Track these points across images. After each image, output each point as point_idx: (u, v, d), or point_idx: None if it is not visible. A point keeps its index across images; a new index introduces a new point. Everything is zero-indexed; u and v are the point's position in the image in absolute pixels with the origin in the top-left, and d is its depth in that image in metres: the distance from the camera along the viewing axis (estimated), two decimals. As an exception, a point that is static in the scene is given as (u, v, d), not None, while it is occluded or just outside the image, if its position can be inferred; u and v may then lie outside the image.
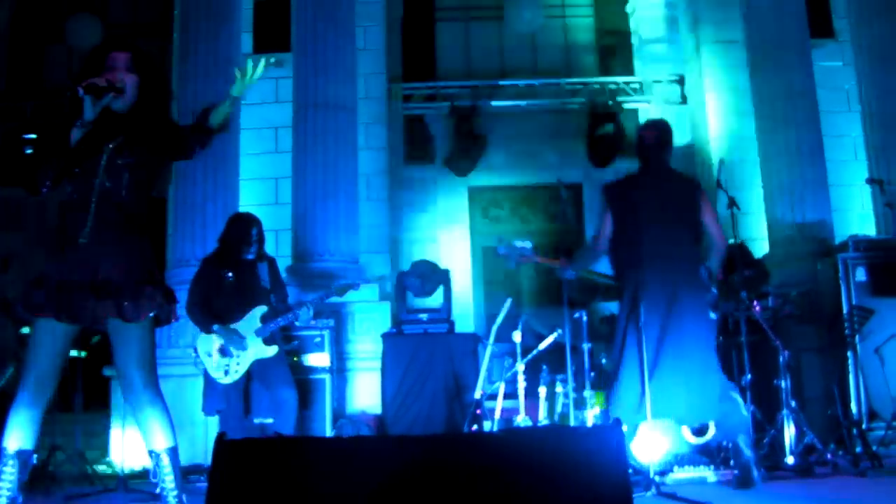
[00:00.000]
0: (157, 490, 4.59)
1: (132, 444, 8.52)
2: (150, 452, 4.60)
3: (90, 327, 4.63)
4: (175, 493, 4.57)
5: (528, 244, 6.85)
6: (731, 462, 6.99)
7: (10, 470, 4.35)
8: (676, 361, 6.24)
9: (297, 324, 8.31)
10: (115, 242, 4.51)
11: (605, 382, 6.67)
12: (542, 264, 7.17)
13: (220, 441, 3.54)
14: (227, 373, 7.67)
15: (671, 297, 6.32)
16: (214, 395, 7.89)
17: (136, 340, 4.55)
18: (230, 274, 7.80)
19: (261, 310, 7.71)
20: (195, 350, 7.96)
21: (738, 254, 8.04)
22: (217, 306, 7.77)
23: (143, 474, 8.78)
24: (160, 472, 4.56)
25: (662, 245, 6.39)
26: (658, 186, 6.67)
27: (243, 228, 7.90)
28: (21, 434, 4.38)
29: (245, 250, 7.84)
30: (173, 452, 4.62)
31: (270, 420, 7.71)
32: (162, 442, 4.59)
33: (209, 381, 7.88)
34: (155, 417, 4.59)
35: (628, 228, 6.49)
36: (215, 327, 7.68)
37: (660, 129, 6.89)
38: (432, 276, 10.08)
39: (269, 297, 7.86)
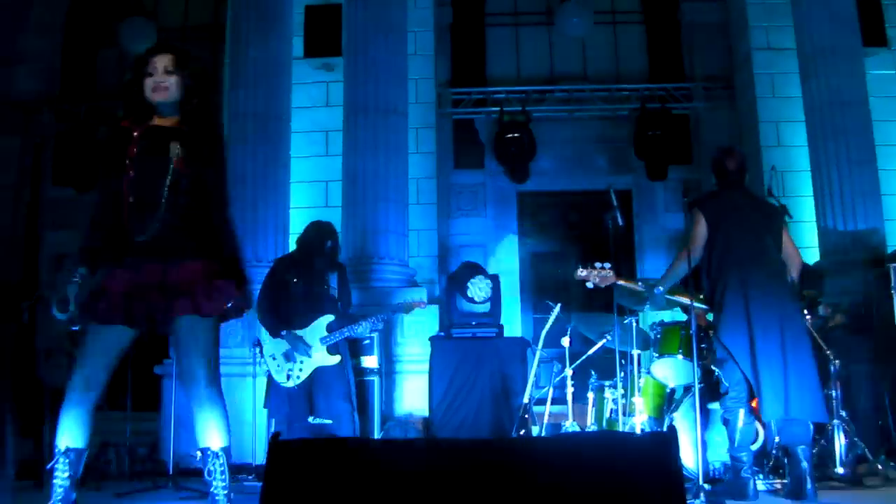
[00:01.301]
0: (211, 488, 4.64)
1: (182, 442, 8.61)
2: (205, 450, 4.65)
3: (159, 330, 4.70)
4: (226, 491, 4.62)
5: (607, 265, 6.85)
6: (782, 471, 6.98)
7: (63, 468, 4.43)
8: (797, 365, 6.36)
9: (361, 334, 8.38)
10: (182, 242, 4.60)
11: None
12: (627, 287, 7.17)
13: (275, 441, 3.58)
14: (289, 377, 7.76)
15: (780, 303, 6.46)
16: (278, 397, 7.99)
17: (204, 337, 4.67)
18: (300, 280, 7.87)
19: (327, 318, 7.78)
20: (260, 350, 8.04)
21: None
22: (285, 311, 7.84)
23: (193, 472, 8.89)
24: (214, 471, 4.62)
25: (760, 253, 6.61)
26: (746, 205, 6.84)
27: (322, 237, 7.97)
28: (71, 432, 4.45)
29: (318, 260, 7.91)
30: (226, 452, 4.69)
31: (329, 421, 7.77)
32: (217, 441, 4.66)
33: (273, 383, 7.97)
34: (214, 416, 4.67)
35: (724, 238, 6.62)
36: (283, 332, 7.76)
37: (742, 156, 7.10)
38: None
39: (337, 306, 7.92)
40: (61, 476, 4.42)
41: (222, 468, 4.63)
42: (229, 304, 4.66)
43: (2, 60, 13.66)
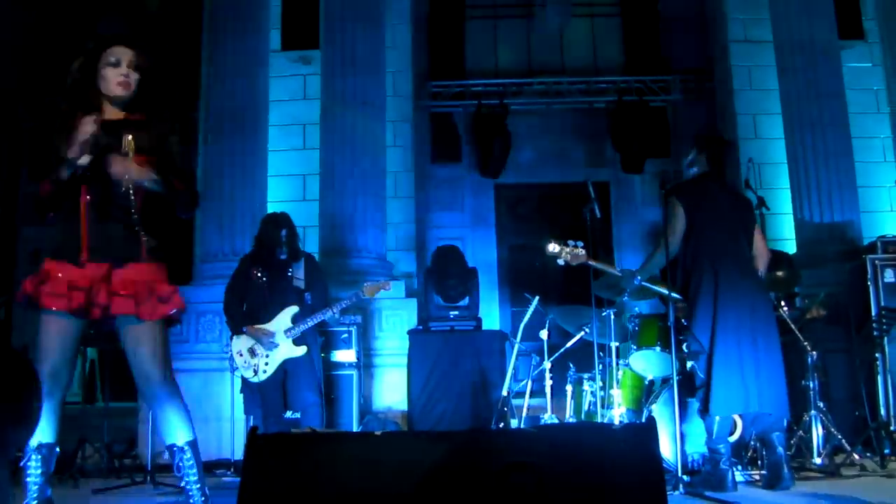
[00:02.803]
0: (182, 483, 4.63)
1: (160, 438, 8.58)
2: (172, 447, 4.65)
3: (104, 326, 4.67)
4: (198, 485, 4.62)
5: (580, 244, 6.82)
6: (761, 462, 7.00)
7: (35, 464, 4.41)
8: (767, 362, 6.41)
9: (328, 321, 8.36)
10: (131, 245, 4.58)
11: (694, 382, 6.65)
12: (600, 268, 7.14)
13: (253, 435, 3.58)
14: (255, 372, 7.72)
15: (751, 297, 6.49)
16: (251, 392, 7.99)
17: (148, 338, 4.60)
18: (263, 274, 7.84)
19: (292, 310, 7.74)
20: (230, 348, 8.03)
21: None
22: (251, 306, 7.83)
23: (170, 467, 8.86)
24: (183, 467, 4.61)
25: (733, 247, 6.63)
26: (724, 195, 6.87)
27: (273, 229, 7.93)
28: (41, 428, 4.41)
29: (277, 251, 7.88)
30: (193, 446, 4.68)
31: (298, 415, 7.76)
32: (181, 436, 4.66)
33: (244, 380, 7.96)
34: (172, 412, 4.66)
35: (699, 230, 6.62)
36: (244, 329, 7.74)
37: (726, 145, 7.25)
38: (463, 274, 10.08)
39: (304, 297, 7.88)
40: (35, 472, 4.40)
41: (190, 462, 4.62)
42: (173, 312, 4.61)
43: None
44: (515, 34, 15.44)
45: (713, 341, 6.36)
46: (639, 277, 6.83)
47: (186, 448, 4.64)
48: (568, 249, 6.79)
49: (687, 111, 14.54)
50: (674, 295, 6.62)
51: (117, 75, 4.60)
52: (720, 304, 6.39)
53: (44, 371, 4.41)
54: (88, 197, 4.50)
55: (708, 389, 6.33)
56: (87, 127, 4.36)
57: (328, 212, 10.88)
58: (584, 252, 6.82)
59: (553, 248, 6.85)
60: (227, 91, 11.03)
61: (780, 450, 6.32)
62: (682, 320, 6.78)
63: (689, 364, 6.82)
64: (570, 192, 14.53)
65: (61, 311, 4.43)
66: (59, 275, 4.46)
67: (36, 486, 4.38)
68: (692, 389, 6.75)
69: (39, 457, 4.41)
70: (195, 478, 4.62)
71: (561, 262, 6.85)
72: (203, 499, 4.62)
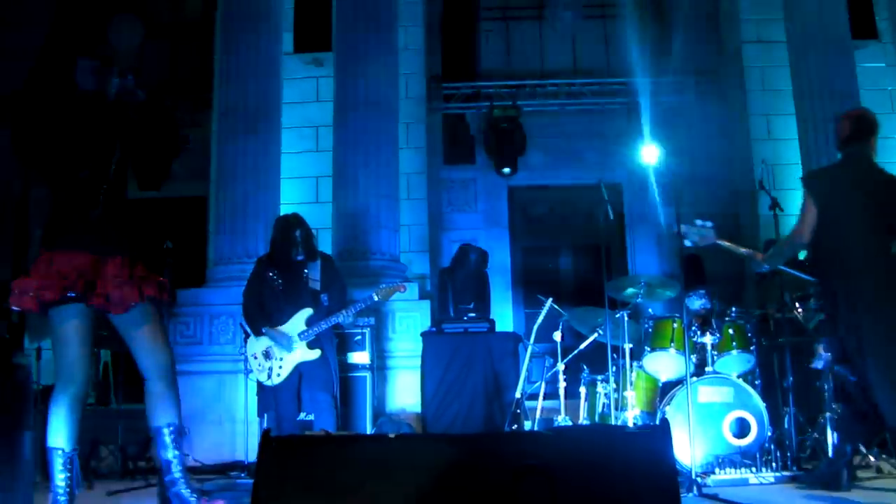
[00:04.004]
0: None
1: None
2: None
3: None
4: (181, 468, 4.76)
5: (708, 224, 6.59)
6: (775, 464, 6.97)
7: (60, 466, 4.43)
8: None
9: (343, 324, 8.36)
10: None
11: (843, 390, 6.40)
12: (728, 249, 6.88)
13: (266, 438, 3.58)
14: (269, 375, 7.72)
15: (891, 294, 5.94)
16: (266, 394, 8.00)
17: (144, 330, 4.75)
18: (278, 276, 7.84)
19: (306, 312, 7.72)
20: (246, 351, 8.04)
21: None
22: (267, 308, 7.82)
23: (186, 469, 8.87)
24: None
25: (871, 258, 6.00)
26: (859, 180, 6.26)
27: (286, 231, 7.92)
28: (63, 430, 4.44)
29: (291, 252, 7.87)
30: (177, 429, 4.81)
31: (312, 417, 7.75)
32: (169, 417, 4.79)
33: (259, 383, 7.96)
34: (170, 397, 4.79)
35: (828, 235, 6.13)
36: (264, 329, 7.73)
37: (854, 119, 6.42)
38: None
39: (319, 298, 7.87)
40: (61, 475, 4.42)
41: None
42: (133, 305, 4.66)
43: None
44: (528, 36, 15.44)
45: (863, 349, 5.92)
46: (765, 266, 6.69)
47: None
48: (696, 229, 6.56)
49: (700, 112, 14.50)
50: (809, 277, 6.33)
51: (92, 67, 4.72)
52: (862, 331, 5.88)
53: (58, 371, 4.45)
54: None
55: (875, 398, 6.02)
56: None
57: (341, 213, 10.89)
58: (713, 231, 6.61)
59: (683, 228, 6.59)
60: (241, 93, 11.06)
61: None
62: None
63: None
64: (583, 194, 14.53)
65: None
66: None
67: (63, 488, 4.39)
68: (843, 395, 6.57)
69: (64, 458, 4.42)
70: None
71: (688, 243, 6.59)
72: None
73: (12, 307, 4.51)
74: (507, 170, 14.37)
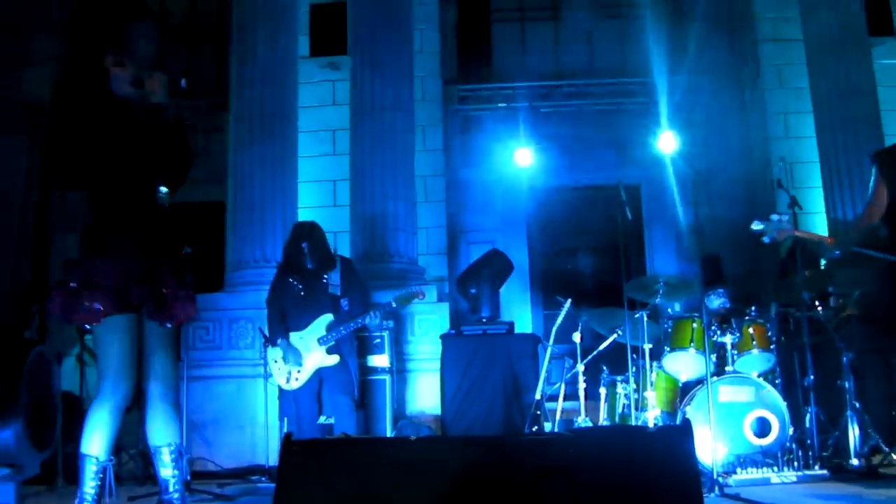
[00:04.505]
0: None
1: (193, 446, 8.63)
2: (164, 447, 4.75)
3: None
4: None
5: (784, 217, 6.51)
6: (796, 463, 6.95)
7: (90, 473, 4.43)
8: None
9: (369, 327, 8.37)
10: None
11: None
12: (803, 238, 6.79)
13: (287, 441, 3.58)
14: (288, 380, 7.75)
15: None
16: (287, 398, 8.02)
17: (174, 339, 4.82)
18: (299, 281, 7.85)
19: (327, 318, 7.73)
20: (266, 355, 8.07)
21: (801, 254, 7.97)
22: (290, 314, 7.83)
23: (205, 475, 8.90)
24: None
25: None
26: None
27: (295, 241, 7.95)
28: (91, 441, 4.46)
29: (300, 262, 7.88)
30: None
31: (332, 420, 7.77)
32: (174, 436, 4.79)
33: (280, 387, 7.98)
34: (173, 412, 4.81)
35: None
36: (279, 341, 7.75)
37: None
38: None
39: (339, 303, 7.87)
40: (91, 483, 4.42)
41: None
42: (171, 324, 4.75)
43: (11, 62, 13.64)
44: (543, 36, 15.41)
45: None
46: (836, 252, 6.63)
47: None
48: (773, 224, 6.42)
49: (717, 110, 14.45)
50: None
51: (128, 75, 4.74)
52: None
53: (103, 378, 4.50)
54: None
55: None
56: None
57: (359, 217, 10.89)
58: (790, 224, 6.52)
59: (757, 226, 6.44)
60: (257, 97, 11.07)
61: None
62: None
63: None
64: (601, 194, 14.50)
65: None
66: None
67: (91, 496, 4.39)
68: None
69: (94, 469, 4.42)
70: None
71: (767, 239, 6.46)
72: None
73: (83, 324, 4.51)
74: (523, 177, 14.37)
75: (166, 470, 4.67)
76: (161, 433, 4.69)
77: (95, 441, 4.42)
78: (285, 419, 8.25)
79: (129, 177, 4.59)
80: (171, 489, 4.67)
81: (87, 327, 4.56)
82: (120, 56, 4.75)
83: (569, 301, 8.53)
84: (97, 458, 4.41)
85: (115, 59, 4.74)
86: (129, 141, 4.58)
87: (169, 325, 4.72)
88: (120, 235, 4.55)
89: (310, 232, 7.98)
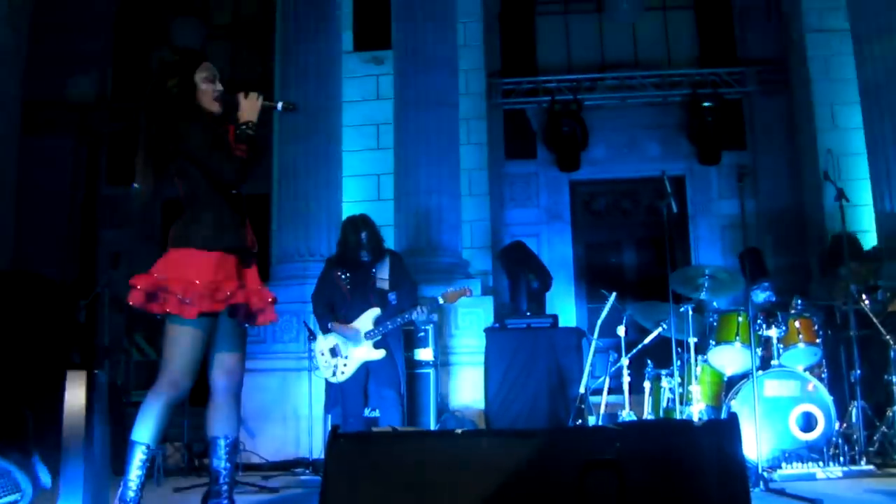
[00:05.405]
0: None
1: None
2: (222, 438, 4.83)
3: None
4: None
5: None
6: (843, 458, 6.90)
7: (139, 462, 4.48)
8: None
9: (416, 322, 8.38)
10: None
11: None
12: None
13: (334, 434, 3.60)
14: (334, 373, 7.76)
15: None
16: (333, 391, 8.06)
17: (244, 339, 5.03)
18: (346, 275, 7.87)
19: (374, 312, 7.73)
20: (314, 348, 8.10)
21: (848, 246, 7.91)
22: (336, 307, 7.86)
23: (250, 467, 8.96)
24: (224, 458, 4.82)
25: None
26: None
27: (353, 233, 7.94)
28: (144, 428, 4.51)
29: (357, 254, 7.89)
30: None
31: (377, 414, 7.79)
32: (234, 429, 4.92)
33: (327, 380, 8.01)
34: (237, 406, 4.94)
35: None
36: (331, 325, 7.77)
37: None
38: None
39: (387, 298, 7.88)
40: (138, 471, 4.47)
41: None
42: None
43: (56, 62, 13.77)
44: (587, 29, 15.38)
45: None
46: None
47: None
48: None
49: (763, 103, 14.39)
50: None
51: (214, 91, 4.83)
52: None
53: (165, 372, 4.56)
54: None
55: None
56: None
57: (404, 211, 10.91)
58: None
59: None
60: (301, 92, 11.09)
61: None
62: None
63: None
64: (645, 187, 14.49)
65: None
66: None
67: (136, 483, 4.44)
68: None
69: (143, 457, 4.47)
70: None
71: None
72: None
73: (162, 314, 4.56)
74: (567, 170, 14.39)
75: (220, 461, 4.72)
76: (221, 425, 4.76)
77: (147, 429, 4.47)
78: (332, 412, 8.28)
79: (226, 179, 4.72)
80: (221, 480, 4.72)
81: (159, 316, 4.59)
82: (211, 72, 4.83)
83: (613, 294, 8.51)
84: (147, 446, 4.46)
85: (206, 74, 4.82)
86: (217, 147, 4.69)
87: (246, 326, 4.87)
88: (220, 233, 4.67)
89: (367, 223, 8.00)
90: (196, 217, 4.65)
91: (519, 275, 10.50)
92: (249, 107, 4.81)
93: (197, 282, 4.47)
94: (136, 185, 4.74)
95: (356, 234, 7.89)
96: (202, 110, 4.80)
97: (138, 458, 4.45)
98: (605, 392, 8.72)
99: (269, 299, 4.97)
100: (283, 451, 9.60)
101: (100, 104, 14.64)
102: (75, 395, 4.44)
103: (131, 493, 4.41)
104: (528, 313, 9.70)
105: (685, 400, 7.85)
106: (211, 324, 4.59)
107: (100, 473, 4.51)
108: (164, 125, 4.67)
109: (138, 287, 4.49)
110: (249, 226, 4.87)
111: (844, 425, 7.52)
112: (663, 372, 8.43)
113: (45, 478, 5.52)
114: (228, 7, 15.72)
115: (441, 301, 7.97)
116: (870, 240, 10.98)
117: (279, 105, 5.04)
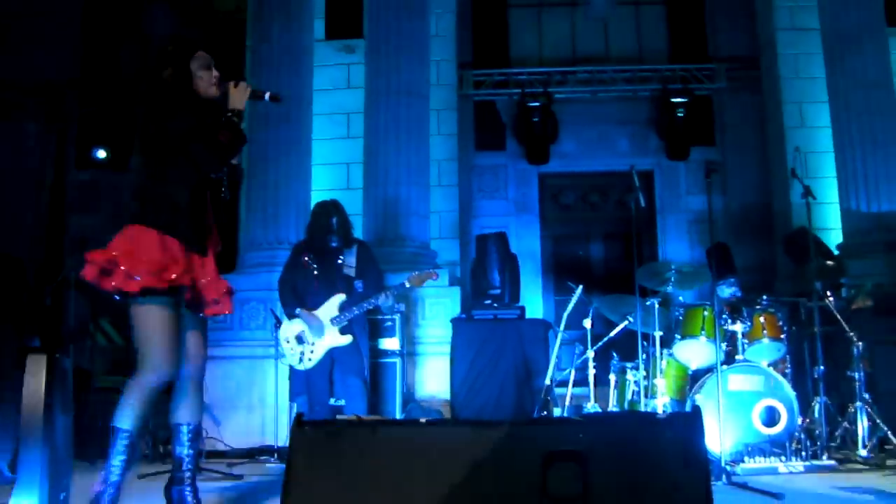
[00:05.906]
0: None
1: (204, 425, 8.65)
2: (184, 425, 4.86)
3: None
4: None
5: None
6: (804, 452, 6.95)
7: (121, 448, 4.49)
8: None
9: (382, 308, 8.39)
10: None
11: None
12: None
13: (299, 421, 3.60)
14: (300, 360, 7.75)
15: None
16: (298, 379, 8.05)
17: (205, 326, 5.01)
18: (313, 261, 7.86)
19: (339, 298, 7.73)
20: (278, 336, 8.09)
21: (813, 244, 7.97)
22: (302, 293, 7.85)
23: (214, 454, 8.95)
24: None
25: None
26: None
27: (324, 217, 7.94)
28: (127, 414, 4.52)
29: (326, 239, 7.88)
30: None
31: (342, 402, 7.78)
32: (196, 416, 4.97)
33: (291, 368, 8.00)
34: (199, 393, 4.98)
35: None
36: (297, 311, 7.76)
37: None
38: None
39: (353, 285, 7.88)
40: (121, 457, 4.46)
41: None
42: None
43: (22, 44, 13.66)
44: (559, 22, 15.40)
45: None
46: None
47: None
48: None
49: (732, 99, 14.46)
50: None
51: (212, 77, 4.90)
52: None
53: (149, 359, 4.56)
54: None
55: None
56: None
57: (372, 200, 10.90)
58: None
59: None
60: (272, 80, 11.04)
61: None
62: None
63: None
64: (614, 181, 14.53)
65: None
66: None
67: (118, 469, 4.44)
68: None
69: (125, 443, 4.47)
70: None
71: None
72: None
73: (111, 289, 4.52)
74: (537, 162, 14.40)
75: (182, 448, 4.73)
76: (183, 412, 4.78)
77: (129, 416, 4.47)
78: (297, 400, 8.28)
79: (205, 165, 4.75)
80: (184, 467, 4.72)
81: (117, 298, 4.58)
82: (206, 60, 4.90)
83: (580, 287, 8.54)
84: (130, 433, 4.46)
85: (201, 62, 4.88)
86: (210, 133, 4.71)
87: (202, 316, 4.86)
88: (178, 220, 4.66)
89: (337, 208, 8.01)
90: (158, 196, 4.65)
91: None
92: (238, 95, 4.86)
93: (144, 259, 4.47)
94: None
95: (327, 219, 7.90)
96: (198, 98, 4.83)
97: (121, 445, 4.45)
98: (570, 384, 8.77)
99: (224, 290, 4.94)
100: (249, 439, 9.58)
101: (69, 86, 14.52)
102: (35, 379, 4.40)
103: (114, 478, 4.42)
104: (495, 304, 9.70)
105: (650, 393, 7.90)
106: (172, 304, 4.57)
107: (60, 459, 4.48)
108: (155, 109, 4.71)
109: (93, 261, 4.48)
110: (216, 228, 4.90)
111: (807, 420, 7.59)
112: (629, 365, 8.47)
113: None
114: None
115: (407, 284, 7.97)
116: (835, 237, 11.08)
117: (267, 95, 5.07)
